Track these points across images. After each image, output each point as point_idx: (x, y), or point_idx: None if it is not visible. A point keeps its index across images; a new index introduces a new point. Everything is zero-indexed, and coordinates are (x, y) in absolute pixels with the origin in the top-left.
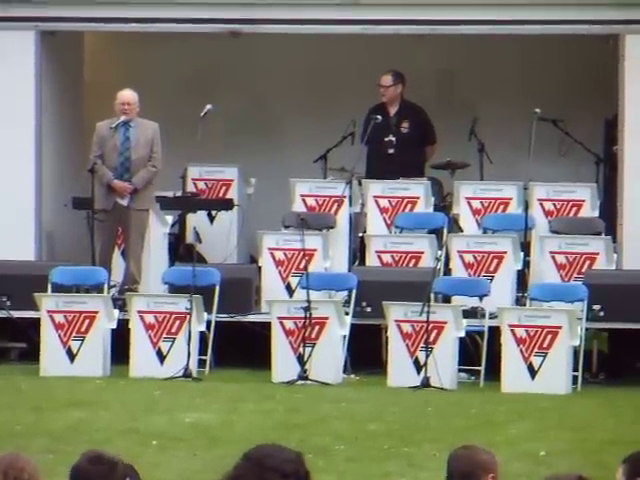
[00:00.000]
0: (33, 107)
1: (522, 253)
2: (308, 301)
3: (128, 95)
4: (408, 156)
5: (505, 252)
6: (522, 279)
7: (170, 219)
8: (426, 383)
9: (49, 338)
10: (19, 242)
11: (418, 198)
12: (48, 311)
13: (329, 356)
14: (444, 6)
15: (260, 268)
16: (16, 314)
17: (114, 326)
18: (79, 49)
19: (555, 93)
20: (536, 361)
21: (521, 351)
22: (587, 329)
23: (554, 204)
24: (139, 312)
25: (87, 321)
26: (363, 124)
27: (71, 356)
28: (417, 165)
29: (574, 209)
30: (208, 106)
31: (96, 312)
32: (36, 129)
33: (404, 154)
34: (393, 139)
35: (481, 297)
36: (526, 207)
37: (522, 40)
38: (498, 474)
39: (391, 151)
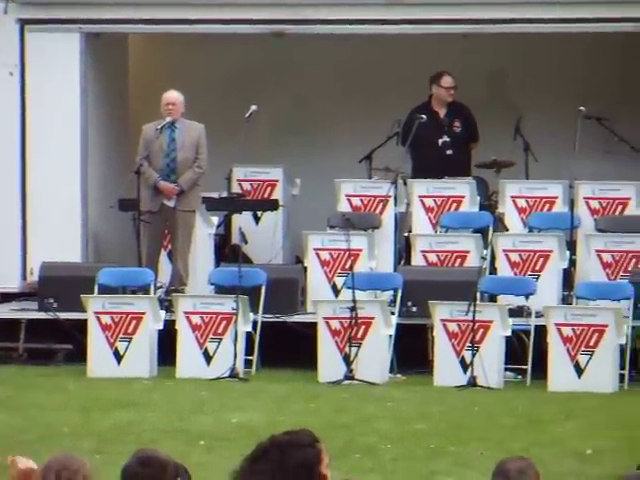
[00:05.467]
0: (78, 109)
1: (568, 252)
2: (354, 301)
3: (173, 96)
4: (460, 155)
5: (551, 251)
6: (568, 278)
7: (216, 220)
8: (472, 382)
9: (96, 339)
10: (66, 244)
11: (463, 197)
12: (95, 312)
13: (375, 356)
14: (489, 5)
15: (306, 268)
16: (63, 315)
17: (161, 327)
18: (124, 51)
19: (600, 91)
20: (583, 359)
21: (567, 350)
22: (633, 327)
23: (600, 202)
24: (185, 313)
25: (134, 322)
26: (404, 125)
27: (118, 357)
28: (467, 164)
29: (620, 207)
30: (253, 107)
31: (143, 313)
32: (82, 131)
33: (458, 154)
34: (448, 139)
35: (527, 296)
36: (572, 205)
37: (567, 38)
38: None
39: (449, 152)
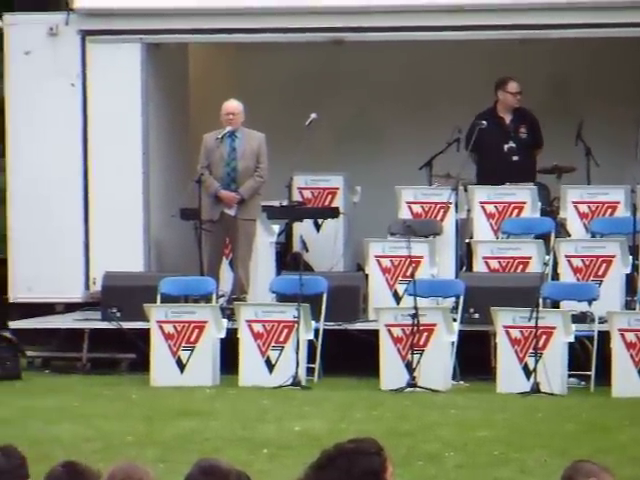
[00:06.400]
0: (140, 119)
1: (631, 257)
2: (415, 308)
3: (232, 105)
4: (527, 161)
5: (614, 256)
6: (631, 283)
7: (277, 228)
8: (536, 389)
9: (159, 348)
10: (128, 254)
11: (525, 203)
12: (157, 321)
13: (437, 363)
14: (547, 10)
15: (367, 276)
16: (126, 325)
17: (223, 335)
18: (184, 60)
19: None
20: None
21: (631, 355)
22: None
23: None
24: (247, 321)
25: (196, 331)
26: (468, 131)
27: (181, 366)
28: (532, 170)
29: None
30: (313, 115)
31: (205, 322)
32: (143, 141)
33: (524, 159)
34: (514, 145)
35: (590, 302)
36: (634, 210)
37: (627, 42)
38: None
39: (515, 158)
